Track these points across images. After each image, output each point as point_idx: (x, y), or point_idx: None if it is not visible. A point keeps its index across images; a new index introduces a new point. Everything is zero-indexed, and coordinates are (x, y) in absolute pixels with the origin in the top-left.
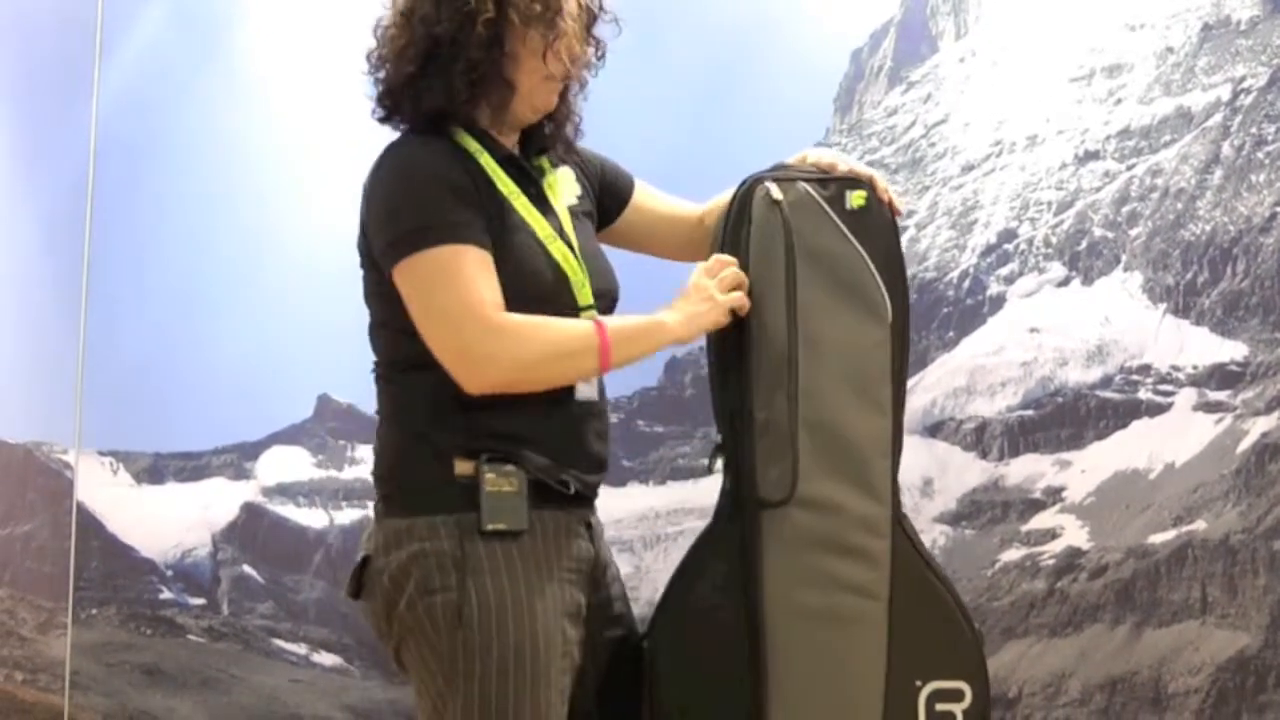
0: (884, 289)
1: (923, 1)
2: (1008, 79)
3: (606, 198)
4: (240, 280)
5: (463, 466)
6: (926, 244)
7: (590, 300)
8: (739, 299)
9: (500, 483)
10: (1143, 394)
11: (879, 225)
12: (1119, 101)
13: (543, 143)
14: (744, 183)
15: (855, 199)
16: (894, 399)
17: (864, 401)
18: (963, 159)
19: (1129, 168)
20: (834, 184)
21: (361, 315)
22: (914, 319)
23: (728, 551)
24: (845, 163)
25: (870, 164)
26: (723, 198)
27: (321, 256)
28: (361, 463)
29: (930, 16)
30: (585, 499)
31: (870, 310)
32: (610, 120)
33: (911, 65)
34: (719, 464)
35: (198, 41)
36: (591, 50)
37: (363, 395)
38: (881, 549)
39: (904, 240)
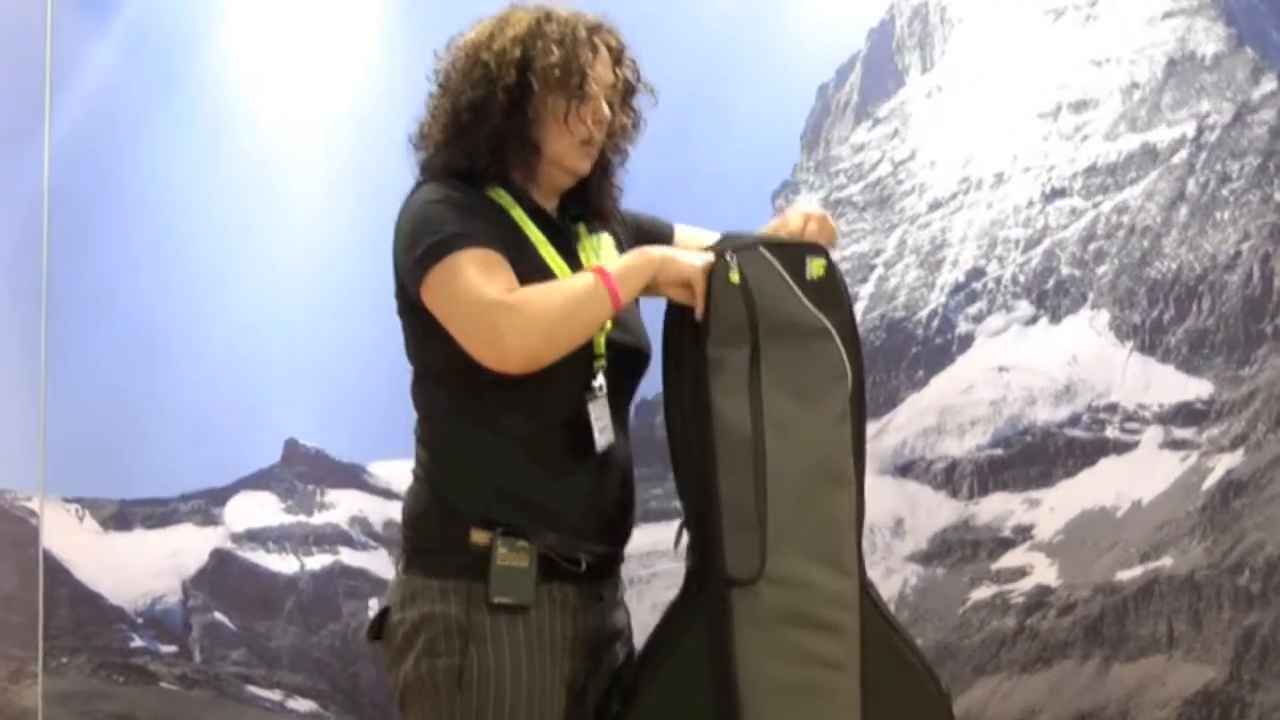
0: (846, 358)
1: (888, 35)
2: (975, 114)
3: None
4: (203, 323)
5: (478, 536)
6: (895, 282)
7: (603, 349)
8: (699, 283)
9: (511, 557)
10: (1110, 432)
11: (838, 293)
12: (1085, 138)
13: (580, 209)
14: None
15: (815, 267)
16: (856, 467)
17: (830, 477)
18: (930, 196)
19: (1095, 205)
20: (793, 251)
21: (327, 359)
22: (883, 358)
23: (697, 630)
24: (816, 210)
25: (838, 202)
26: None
27: (287, 297)
28: (332, 508)
29: (896, 51)
30: (600, 569)
31: (835, 381)
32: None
33: (878, 100)
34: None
35: (152, 71)
36: (629, 121)
37: (330, 439)
38: (851, 622)
39: (872, 279)
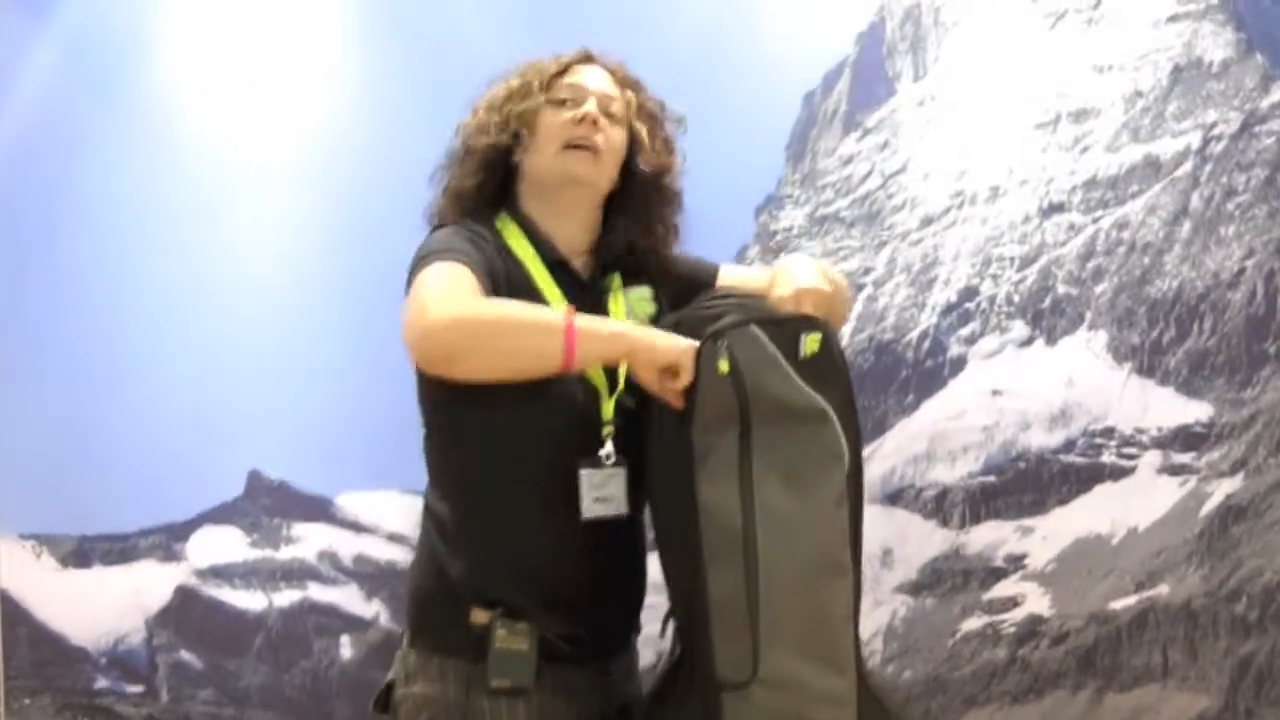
0: (843, 437)
1: (878, 39)
2: (969, 124)
3: (685, 297)
4: (159, 349)
5: (478, 616)
6: (884, 302)
7: (610, 415)
8: (686, 370)
9: (511, 640)
10: (1106, 457)
11: (834, 369)
12: (1085, 149)
13: (613, 257)
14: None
15: (810, 344)
16: (853, 554)
17: (826, 568)
18: (922, 211)
19: (1095, 220)
20: (787, 326)
21: (293, 386)
22: (872, 382)
23: None
24: (809, 284)
25: (824, 218)
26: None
27: (248, 321)
28: (298, 541)
29: (887, 56)
30: (608, 646)
31: (832, 463)
32: None
33: (867, 109)
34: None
35: (94, 82)
36: (652, 143)
37: (295, 471)
38: (848, 718)
39: (861, 298)
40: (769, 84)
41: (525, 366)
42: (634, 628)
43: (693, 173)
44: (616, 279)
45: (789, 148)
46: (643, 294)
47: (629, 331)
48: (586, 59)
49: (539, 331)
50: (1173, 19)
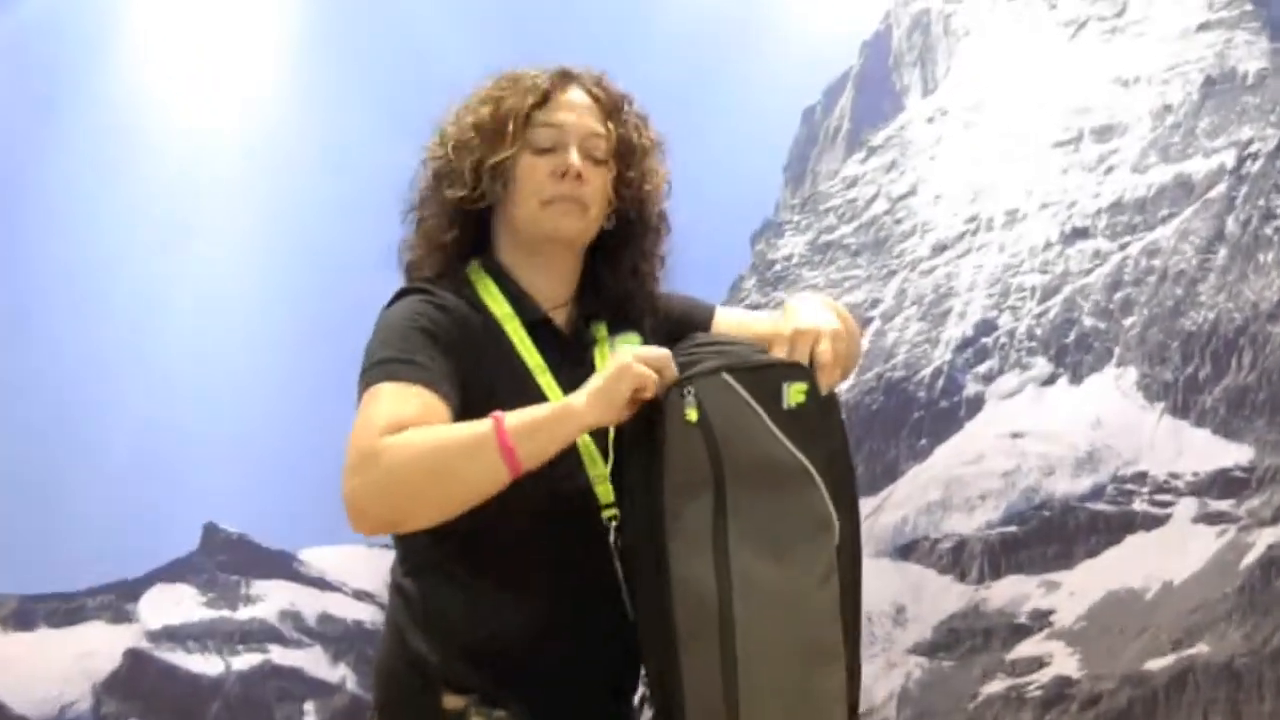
0: (831, 504)
1: (884, 50)
2: (983, 143)
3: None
4: (109, 394)
5: (451, 702)
6: (894, 338)
7: (612, 498)
8: (648, 372)
9: None
10: (1138, 505)
11: (823, 423)
12: (1110, 169)
13: (595, 306)
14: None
15: (794, 394)
16: (847, 633)
17: (812, 651)
18: (934, 238)
19: (1122, 247)
20: (766, 375)
21: (253, 432)
22: (881, 425)
23: None
24: (812, 323)
25: (827, 245)
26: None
27: (203, 362)
28: (259, 601)
29: (894, 68)
30: None
31: (817, 531)
32: None
33: (872, 126)
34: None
35: (40, 95)
36: (641, 182)
37: (254, 523)
38: None
39: (868, 334)
40: (765, 99)
41: (475, 494)
42: (626, 712)
43: (681, 197)
44: (601, 329)
45: (787, 169)
46: (630, 341)
47: (570, 403)
48: (565, 78)
49: (468, 455)
50: (1204, 27)
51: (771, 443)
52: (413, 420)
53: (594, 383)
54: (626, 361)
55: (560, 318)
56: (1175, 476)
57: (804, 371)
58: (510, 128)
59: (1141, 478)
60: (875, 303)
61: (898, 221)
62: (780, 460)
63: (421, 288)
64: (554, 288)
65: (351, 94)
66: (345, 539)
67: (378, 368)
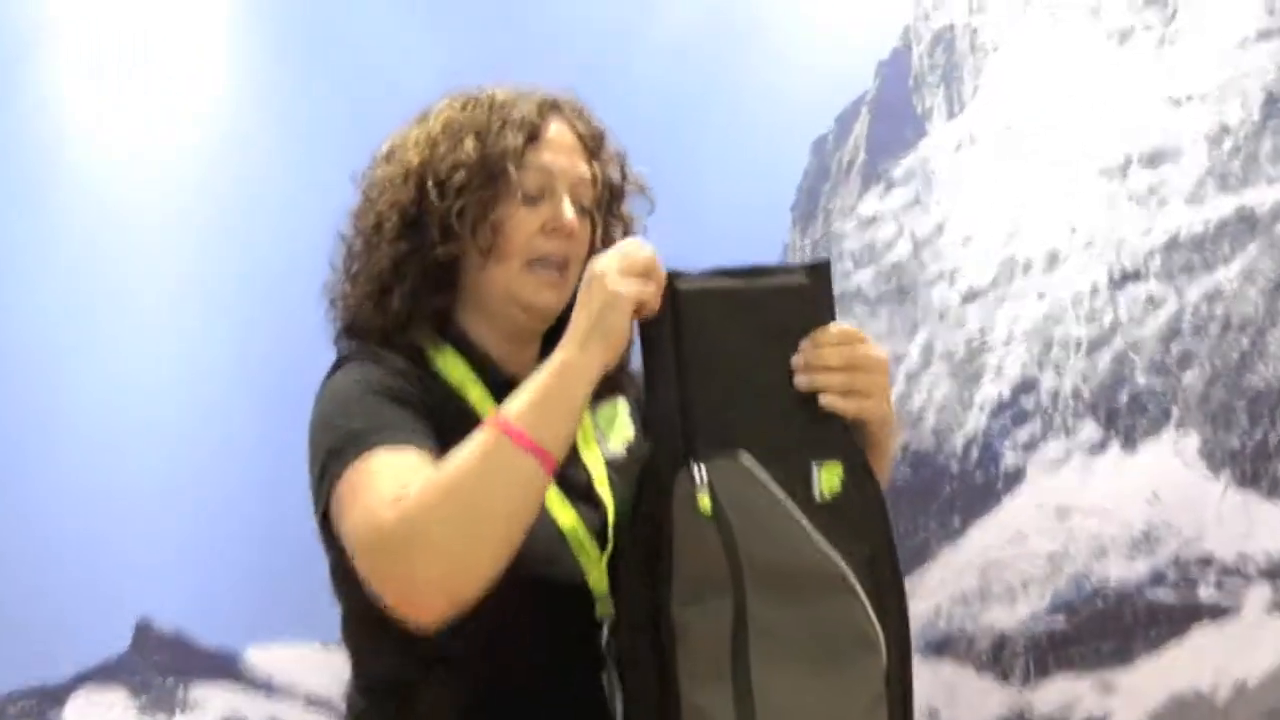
0: (874, 618)
1: (903, 70)
2: (1018, 173)
3: None
4: (30, 471)
5: None
6: (921, 401)
7: (606, 589)
8: (641, 287)
9: None
10: (1203, 592)
11: (864, 515)
12: (1163, 202)
13: None
14: (656, 451)
15: (827, 480)
16: None
17: None
18: (964, 284)
19: (1178, 291)
20: (793, 457)
21: (188, 524)
22: (909, 501)
23: None
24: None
25: (842, 294)
26: None
27: (136, 437)
28: (198, 707)
29: (914, 90)
30: None
31: (860, 653)
32: None
33: (892, 157)
34: None
35: None
36: (618, 233)
37: (193, 618)
38: None
39: (893, 395)
40: (769, 127)
41: (522, 509)
42: None
43: (679, 244)
44: None
45: (795, 208)
46: (614, 410)
47: (563, 357)
48: (550, 109)
49: (489, 470)
50: (1264, 36)
51: (801, 542)
52: (406, 478)
53: (579, 323)
54: (606, 281)
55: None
56: (1245, 558)
57: (839, 449)
58: (508, 172)
59: (1207, 560)
60: (899, 359)
61: (923, 266)
62: (812, 563)
63: (367, 352)
64: (519, 354)
65: (305, 109)
66: (294, 636)
67: (349, 444)
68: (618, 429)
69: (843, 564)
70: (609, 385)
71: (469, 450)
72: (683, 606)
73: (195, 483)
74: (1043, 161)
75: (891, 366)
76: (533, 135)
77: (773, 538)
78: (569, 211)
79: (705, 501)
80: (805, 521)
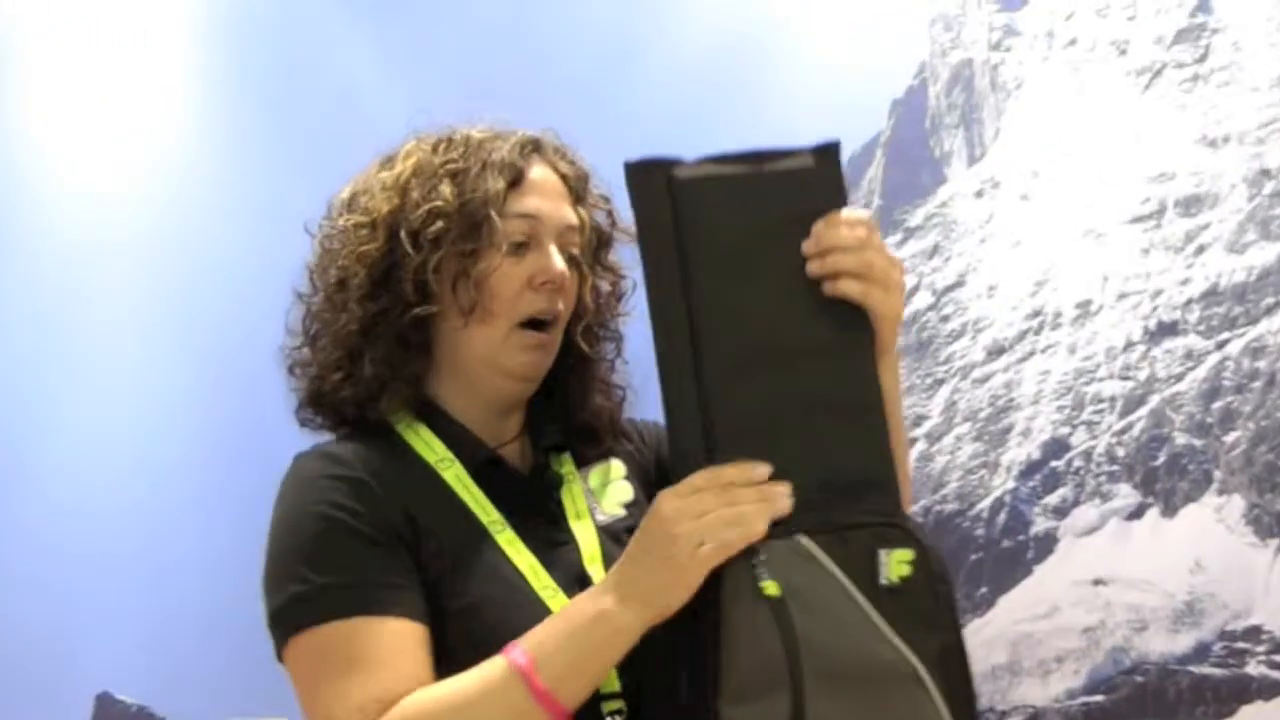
0: (945, 711)
1: (920, 111)
2: (1045, 220)
3: (669, 481)
4: None
5: None
6: (944, 463)
7: (616, 685)
8: (719, 547)
9: None
10: (1252, 668)
11: (934, 604)
12: (1201, 249)
13: (554, 434)
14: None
15: (896, 565)
16: None
17: None
18: (989, 338)
19: (1219, 345)
20: (857, 539)
21: (152, 584)
22: None
23: None
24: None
25: None
26: None
27: (96, 487)
28: None
29: (931, 131)
30: None
31: None
32: None
33: (909, 203)
34: None
35: None
36: (606, 284)
37: (154, 692)
38: None
39: (913, 457)
40: None
41: None
42: None
43: None
44: (566, 462)
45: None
46: (607, 473)
47: (604, 608)
48: (533, 149)
49: (500, 708)
50: None
51: (868, 633)
52: (401, 685)
53: (629, 573)
54: (678, 540)
55: (513, 454)
56: None
57: (907, 534)
58: (491, 220)
59: (1255, 633)
60: (920, 420)
61: (944, 319)
62: (880, 657)
63: (325, 453)
64: (501, 421)
65: (268, 141)
66: (261, 711)
67: (317, 598)
68: (611, 492)
69: (914, 658)
70: (602, 451)
71: (480, 678)
72: (733, 705)
73: (158, 546)
74: (1071, 207)
75: (912, 427)
76: (515, 179)
77: (836, 628)
78: (558, 262)
79: (772, 586)
80: (872, 610)
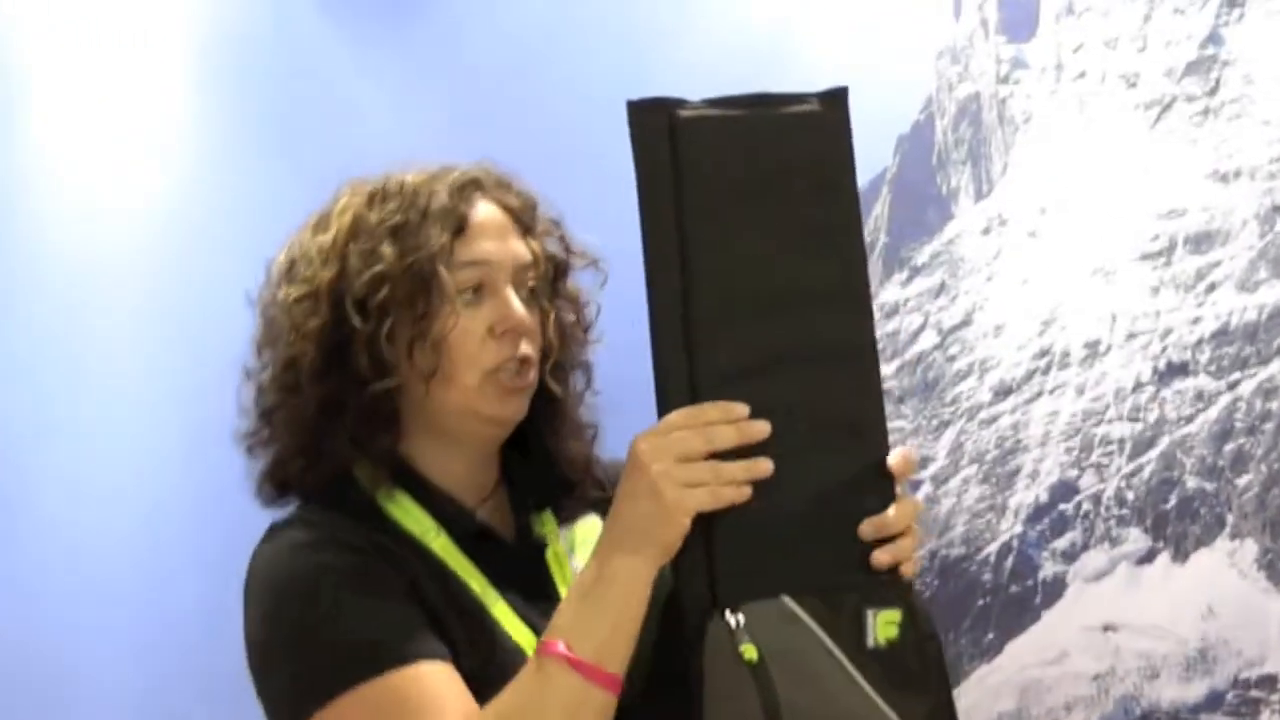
0: None
1: (926, 147)
2: (1053, 257)
3: None
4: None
5: None
6: (949, 506)
7: None
8: (707, 494)
9: None
10: (1266, 717)
11: (921, 666)
12: (1212, 287)
13: (530, 488)
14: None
15: (884, 627)
16: None
17: None
18: (996, 378)
19: (1231, 386)
20: (843, 601)
21: (150, 632)
22: (938, 616)
23: None
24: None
25: None
26: None
27: (94, 534)
28: None
29: (938, 167)
30: None
31: None
32: None
33: (915, 241)
34: None
35: None
36: (570, 315)
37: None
38: None
39: (920, 497)
40: None
41: None
42: None
43: None
44: (549, 521)
45: None
46: (586, 532)
47: (599, 582)
48: (473, 189)
49: (553, 703)
50: None
51: (853, 696)
52: (456, 706)
53: (624, 526)
54: (657, 482)
55: (495, 518)
56: None
57: (896, 594)
58: (439, 275)
59: (1270, 681)
60: (925, 462)
61: (950, 359)
62: None
63: (307, 519)
64: (477, 477)
65: (269, 146)
66: None
67: (351, 663)
68: (587, 544)
69: None
70: (582, 501)
71: (521, 682)
72: None
73: (152, 595)
74: (1080, 244)
75: (918, 469)
76: (459, 225)
77: (820, 692)
78: (517, 306)
79: (751, 650)
80: (857, 674)
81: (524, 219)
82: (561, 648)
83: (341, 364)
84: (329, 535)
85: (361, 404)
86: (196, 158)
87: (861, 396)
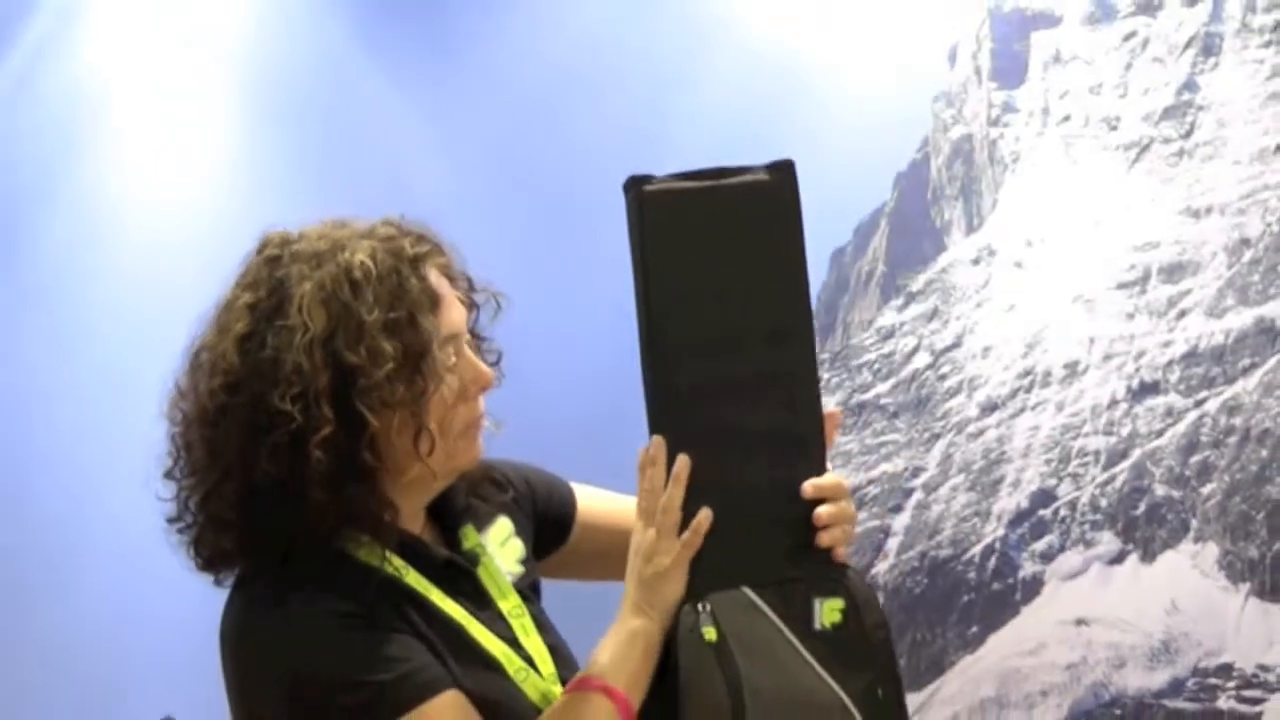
0: None
1: (922, 183)
2: (1037, 286)
3: (546, 527)
4: (46, 564)
5: None
6: (939, 511)
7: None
8: (691, 538)
9: None
10: (1223, 702)
11: (862, 646)
12: (1182, 314)
13: (443, 505)
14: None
15: (828, 612)
16: None
17: None
18: (982, 396)
19: (1198, 404)
20: (794, 590)
21: (213, 616)
22: (926, 610)
23: None
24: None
25: (861, 405)
26: None
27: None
28: None
29: (932, 202)
30: None
31: None
32: (532, 357)
33: (910, 269)
34: None
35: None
36: (490, 353)
37: (219, 716)
38: None
39: (909, 507)
40: None
41: None
42: None
43: None
44: (472, 534)
45: (815, 320)
46: (502, 531)
47: (632, 637)
48: (426, 259)
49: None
50: None
51: (802, 671)
52: None
53: (642, 592)
54: (673, 562)
55: (430, 539)
56: (1266, 669)
57: (838, 581)
58: (432, 359)
59: (1226, 670)
60: (917, 471)
61: (941, 378)
62: (815, 696)
63: (288, 579)
64: (414, 505)
65: (313, 193)
66: None
67: (377, 701)
68: (508, 554)
69: (842, 693)
70: (490, 504)
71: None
72: None
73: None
74: (1062, 274)
75: (909, 478)
76: (434, 304)
77: (775, 667)
78: (484, 367)
79: (711, 632)
80: (806, 651)
81: (452, 275)
82: (600, 684)
83: (351, 468)
84: (321, 588)
85: (361, 494)
86: (248, 182)
87: (804, 415)
